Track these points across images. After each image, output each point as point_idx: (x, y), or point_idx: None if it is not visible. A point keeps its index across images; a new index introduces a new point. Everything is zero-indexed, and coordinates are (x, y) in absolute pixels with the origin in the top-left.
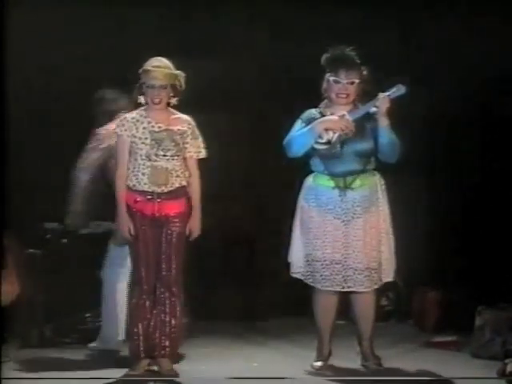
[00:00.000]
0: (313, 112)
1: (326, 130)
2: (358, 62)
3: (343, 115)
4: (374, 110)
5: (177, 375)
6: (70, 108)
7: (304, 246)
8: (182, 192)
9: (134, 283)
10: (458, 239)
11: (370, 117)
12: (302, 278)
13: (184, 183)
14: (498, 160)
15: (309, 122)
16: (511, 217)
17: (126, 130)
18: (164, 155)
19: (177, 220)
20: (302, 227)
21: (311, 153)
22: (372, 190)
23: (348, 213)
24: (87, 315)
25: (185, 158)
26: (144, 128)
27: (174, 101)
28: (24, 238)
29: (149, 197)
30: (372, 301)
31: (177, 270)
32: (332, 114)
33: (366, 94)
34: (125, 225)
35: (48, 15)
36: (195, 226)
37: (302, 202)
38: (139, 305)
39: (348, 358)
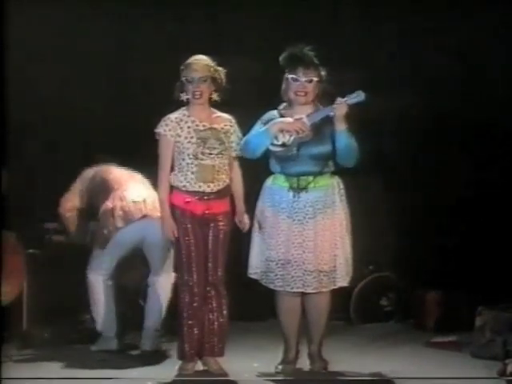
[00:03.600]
0: (273, 113)
1: (282, 131)
2: (316, 60)
3: (300, 118)
4: (332, 114)
5: (226, 374)
6: (71, 108)
7: (260, 246)
8: (227, 190)
9: (185, 286)
10: (458, 239)
11: (329, 120)
12: (258, 278)
13: (228, 181)
14: (484, 158)
15: (267, 123)
16: (511, 216)
17: (170, 130)
18: (210, 153)
19: (222, 218)
20: (259, 227)
21: (269, 154)
22: (327, 192)
23: (299, 213)
24: (87, 316)
25: (229, 156)
26: (188, 127)
27: (215, 96)
28: (24, 238)
29: (198, 196)
30: (324, 304)
31: (222, 269)
32: (291, 116)
33: (328, 95)
34: (169, 227)
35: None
36: (245, 220)
37: (259, 202)
38: (190, 307)
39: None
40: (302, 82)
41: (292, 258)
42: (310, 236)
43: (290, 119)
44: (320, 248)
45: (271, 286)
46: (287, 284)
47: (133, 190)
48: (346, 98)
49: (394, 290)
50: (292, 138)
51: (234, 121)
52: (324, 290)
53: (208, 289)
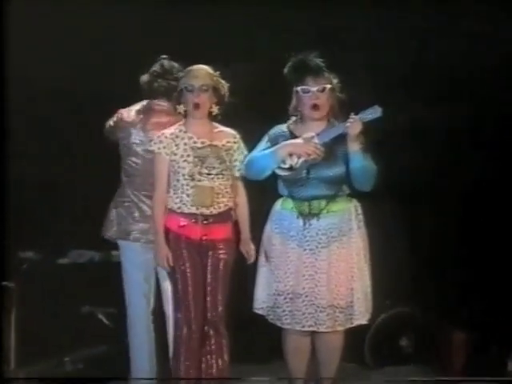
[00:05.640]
0: (281, 129)
1: (291, 154)
2: (325, 67)
3: (311, 137)
4: (345, 132)
5: None
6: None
7: (267, 278)
8: (228, 215)
9: (181, 322)
10: (490, 272)
11: (341, 139)
12: (264, 314)
13: (231, 205)
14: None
15: (276, 140)
16: None
17: (164, 148)
18: (208, 173)
19: (223, 246)
20: (266, 257)
21: (276, 174)
22: (343, 218)
23: (311, 241)
24: (66, 359)
25: (232, 177)
26: (185, 144)
27: (216, 110)
28: None
29: (195, 220)
30: (337, 343)
31: (223, 305)
32: (302, 133)
33: (343, 106)
34: (163, 254)
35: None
36: (251, 249)
37: (267, 228)
38: (186, 347)
39: None
40: (313, 92)
41: (303, 292)
42: (323, 267)
43: (299, 141)
44: (335, 281)
45: (278, 324)
46: (297, 321)
47: None
48: (360, 115)
49: (415, 329)
50: (301, 160)
51: (238, 136)
52: (339, 328)
53: (207, 328)
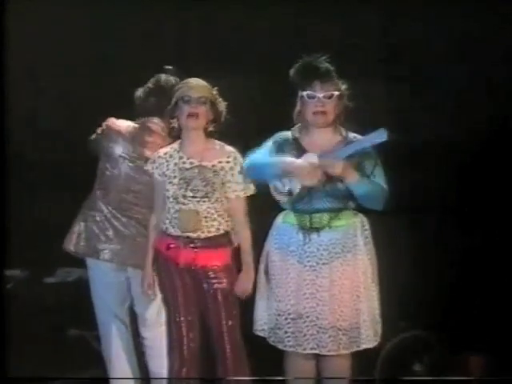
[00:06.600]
0: (287, 136)
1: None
2: (334, 72)
3: (313, 162)
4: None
5: None
6: None
7: (267, 297)
8: (224, 240)
9: (172, 351)
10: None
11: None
12: (266, 336)
13: (225, 229)
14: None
15: (281, 148)
16: None
17: (156, 168)
18: (193, 196)
19: (218, 275)
20: (265, 274)
21: None
22: (348, 233)
23: (312, 257)
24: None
25: (225, 199)
26: (175, 165)
27: (211, 127)
28: None
29: (182, 243)
30: (343, 369)
31: (233, 340)
32: (307, 141)
33: (350, 114)
34: (146, 278)
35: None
36: (246, 286)
37: (267, 243)
38: (178, 375)
39: None
40: (319, 99)
41: (304, 312)
42: (324, 285)
43: (304, 164)
44: (338, 300)
45: (280, 346)
46: (299, 344)
47: None
48: (364, 138)
49: (430, 353)
50: (300, 186)
51: (234, 155)
52: (343, 351)
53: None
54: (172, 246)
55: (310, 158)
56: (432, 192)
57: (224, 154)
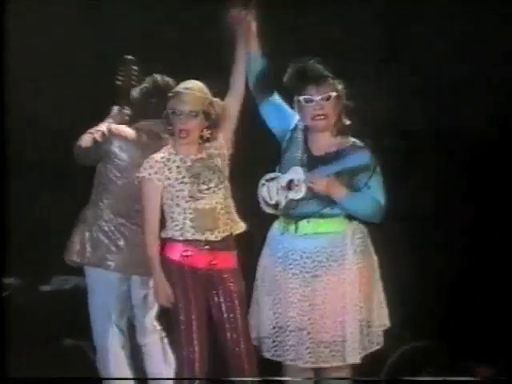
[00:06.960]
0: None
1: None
2: (328, 73)
3: (298, 177)
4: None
5: None
6: None
7: (259, 305)
8: (233, 243)
9: (183, 362)
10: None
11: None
12: (256, 344)
13: (230, 230)
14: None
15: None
16: None
17: (156, 173)
18: (208, 188)
19: (230, 277)
20: (260, 281)
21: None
22: (335, 241)
23: (295, 265)
24: None
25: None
26: (178, 167)
27: (207, 134)
28: None
29: (200, 247)
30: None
31: (248, 343)
32: (311, 145)
33: (351, 113)
34: (163, 291)
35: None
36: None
37: (262, 251)
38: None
39: None
40: (317, 102)
41: (285, 322)
42: (306, 295)
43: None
44: (320, 311)
45: (267, 356)
46: (280, 354)
47: None
48: (349, 158)
49: (436, 364)
50: (288, 199)
51: (223, 138)
52: (323, 365)
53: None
54: (189, 253)
55: (296, 173)
56: (432, 194)
57: (216, 142)
